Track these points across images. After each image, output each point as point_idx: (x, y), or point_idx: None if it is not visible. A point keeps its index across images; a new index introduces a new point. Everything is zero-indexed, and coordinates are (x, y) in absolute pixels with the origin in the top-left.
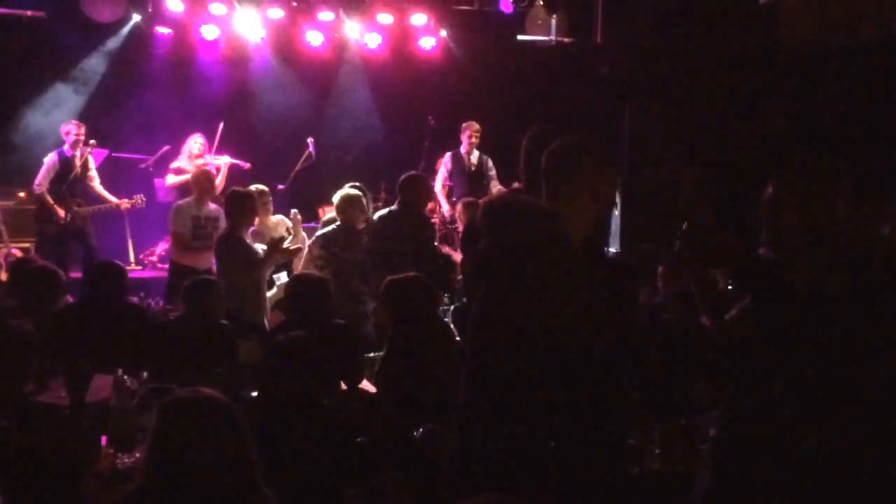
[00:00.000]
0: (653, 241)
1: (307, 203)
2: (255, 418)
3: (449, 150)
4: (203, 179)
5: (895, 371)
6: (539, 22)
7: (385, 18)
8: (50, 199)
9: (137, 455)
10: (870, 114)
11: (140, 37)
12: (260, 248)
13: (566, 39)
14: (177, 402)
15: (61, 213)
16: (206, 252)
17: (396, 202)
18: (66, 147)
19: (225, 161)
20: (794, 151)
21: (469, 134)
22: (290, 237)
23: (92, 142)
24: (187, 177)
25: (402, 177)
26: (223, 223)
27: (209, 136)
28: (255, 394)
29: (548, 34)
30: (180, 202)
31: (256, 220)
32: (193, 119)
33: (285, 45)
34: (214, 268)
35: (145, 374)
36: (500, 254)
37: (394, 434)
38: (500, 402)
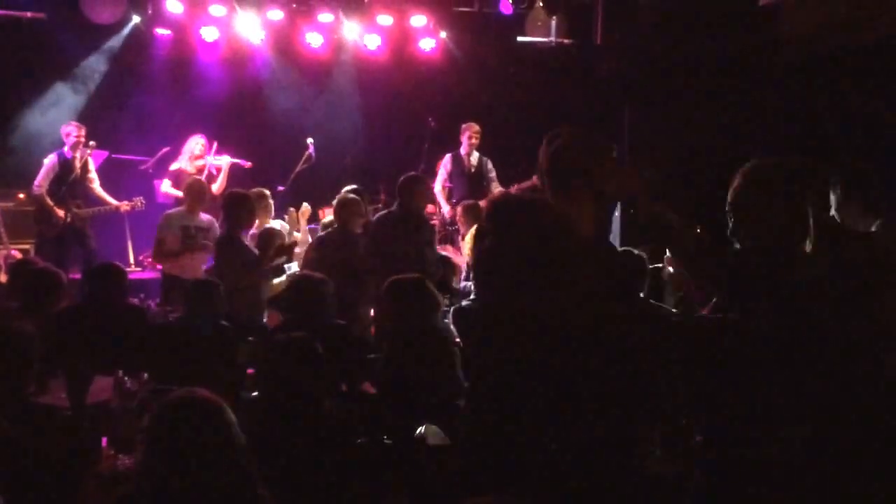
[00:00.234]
0: (652, 241)
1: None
2: (255, 418)
3: (449, 152)
4: (196, 188)
5: (883, 369)
6: (539, 23)
7: (385, 20)
8: (49, 201)
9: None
10: (870, 114)
11: (140, 38)
12: None
13: (566, 41)
14: (169, 403)
15: (61, 214)
16: (192, 262)
17: (396, 204)
18: (66, 148)
19: (226, 161)
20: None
21: (469, 135)
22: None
23: (92, 143)
24: (180, 194)
25: (402, 178)
26: (215, 234)
27: (209, 137)
28: (255, 394)
29: (548, 35)
30: (171, 211)
31: (256, 223)
32: (193, 121)
33: (285, 47)
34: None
35: (145, 375)
36: (507, 252)
37: (394, 434)
38: (505, 402)
